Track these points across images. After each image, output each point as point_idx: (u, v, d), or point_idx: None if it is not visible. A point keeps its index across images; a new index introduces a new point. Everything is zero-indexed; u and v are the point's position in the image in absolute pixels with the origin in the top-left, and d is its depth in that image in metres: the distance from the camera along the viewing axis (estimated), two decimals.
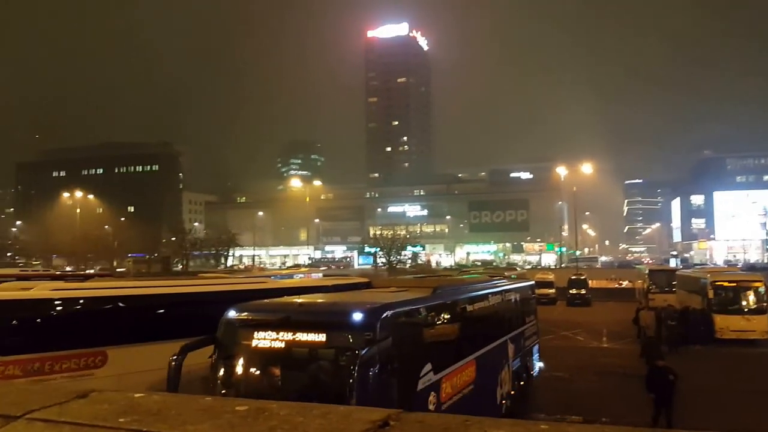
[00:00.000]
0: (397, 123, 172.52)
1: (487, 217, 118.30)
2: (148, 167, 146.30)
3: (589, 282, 45.84)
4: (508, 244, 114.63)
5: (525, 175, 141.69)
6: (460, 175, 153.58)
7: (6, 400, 2.37)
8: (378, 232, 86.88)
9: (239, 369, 7.27)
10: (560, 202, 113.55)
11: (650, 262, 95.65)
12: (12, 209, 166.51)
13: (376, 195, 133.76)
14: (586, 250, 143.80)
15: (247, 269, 79.18)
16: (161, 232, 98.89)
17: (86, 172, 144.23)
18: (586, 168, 66.77)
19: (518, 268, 55.65)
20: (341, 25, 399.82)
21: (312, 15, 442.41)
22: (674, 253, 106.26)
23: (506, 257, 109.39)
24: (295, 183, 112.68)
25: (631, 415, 13.55)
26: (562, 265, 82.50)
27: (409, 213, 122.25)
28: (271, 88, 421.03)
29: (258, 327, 7.01)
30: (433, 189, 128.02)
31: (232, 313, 7.47)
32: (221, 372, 7.27)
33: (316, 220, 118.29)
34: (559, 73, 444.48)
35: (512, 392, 12.83)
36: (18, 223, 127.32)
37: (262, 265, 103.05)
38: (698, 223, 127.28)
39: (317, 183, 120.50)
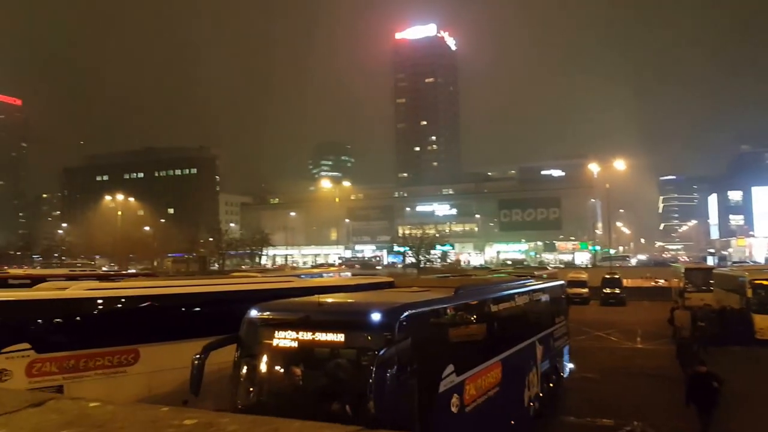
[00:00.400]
0: (425, 123, 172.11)
1: (517, 216, 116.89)
2: (187, 171, 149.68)
3: (624, 281, 44.95)
4: (540, 243, 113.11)
5: (556, 173, 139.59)
6: (489, 173, 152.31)
7: None
8: (407, 232, 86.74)
9: (260, 368, 7.37)
10: (593, 200, 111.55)
11: (687, 260, 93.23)
12: (58, 212, 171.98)
13: (405, 195, 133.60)
14: (621, 248, 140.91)
15: (279, 268, 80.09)
16: (199, 233, 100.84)
17: (128, 176, 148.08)
18: (619, 164, 65.43)
19: (549, 267, 54.83)
20: (369, 29, 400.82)
21: (341, 20, 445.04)
22: (711, 250, 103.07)
23: (538, 256, 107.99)
24: (325, 184, 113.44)
25: (664, 418, 13.25)
26: (597, 264, 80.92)
27: (438, 212, 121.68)
28: (302, 92, 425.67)
29: (278, 326, 7.09)
30: (462, 188, 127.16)
31: (253, 313, 7.56)
32: (243, 370, 7.38)
33: (347, 220, 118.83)
34: (590, 70, 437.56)
35: (541, 394, 12.63)
36: (64, 225, 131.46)
37: (294, 265, 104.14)
38: (736, 220, 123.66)
39: (346, 184, 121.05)
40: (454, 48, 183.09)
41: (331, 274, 38.09)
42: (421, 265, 68.12)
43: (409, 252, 74.12)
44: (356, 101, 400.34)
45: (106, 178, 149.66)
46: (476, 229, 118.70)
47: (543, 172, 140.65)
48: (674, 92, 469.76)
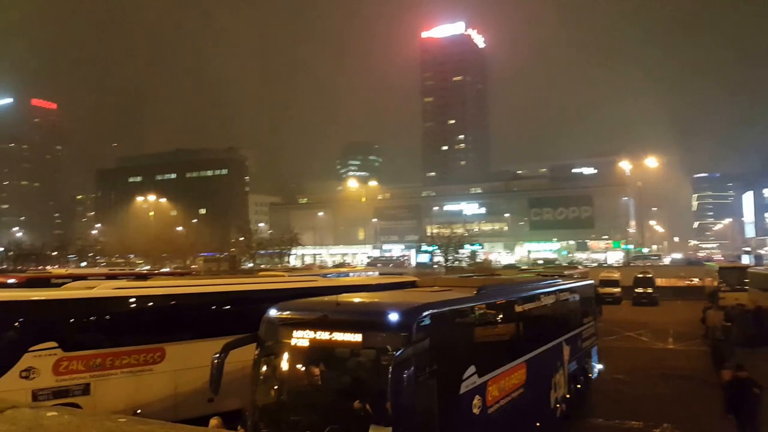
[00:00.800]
0: (453, 121, 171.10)
1: (548, 214, 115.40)
2: (217, 171, 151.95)
3: (657, 280, 44.09)
4: (572, 242, 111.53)
5: (588, 171, 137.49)
6: (519, 171, 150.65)
7: None
8: (435, 231, 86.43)
9: (278, 367, 7.38)
10: (626, 198, 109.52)
11: (721, 259, 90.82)
12: (93, 213, 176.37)
13: (433, 194, 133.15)
14: (654, 247, 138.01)
15: (308, 268, 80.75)
16: (229, 233, 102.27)
17: (160, 177, 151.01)
18: (652, 162, 64.16)
19: (580, 267, 54.06)
20: (396, 29, 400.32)
21: (367, 19, 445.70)
22: (747, 249, 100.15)
23: (570, 255, 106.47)
24: (352, 184, 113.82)
25: (695, 421, 12.90)
26: (631, 264, 79.41)
27: (466, 211, 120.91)
28: (330, 93, 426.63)
29: (296, 326, 7.09)
30: (491, 186, 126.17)
31: (272, 312, 7.58)
32: (262, 369, 7.41)
33: (374, 220, 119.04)
34: (622, 66, 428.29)
35: (568, 396, 12.42)
36: (98, 225, 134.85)
37: (322, 264, 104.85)
38: None
39: (374, 183, 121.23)
40: (482, 45, 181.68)
41: (358, 274, 38.13)
42: (450, 265, 67.80)
43: (438, 251, 73.83)
44: (384, 101, 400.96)
45: (138, 179, 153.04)
46: (506, 228, 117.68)
47: (574, 170, 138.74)
48: (709, 88, 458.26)
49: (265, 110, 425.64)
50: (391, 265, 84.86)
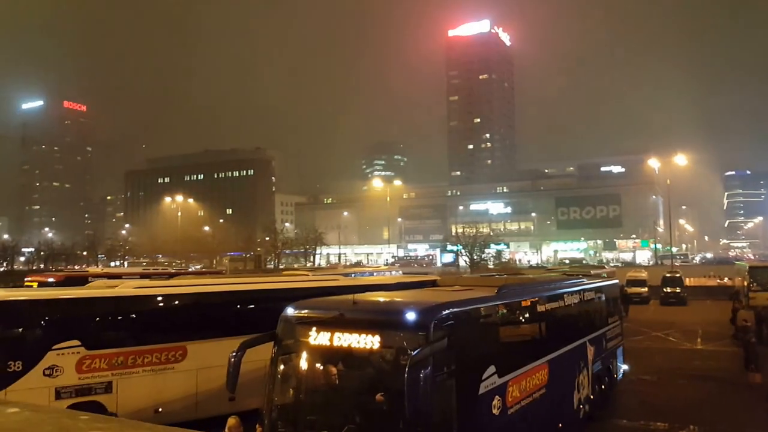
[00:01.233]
0: (479, 120, 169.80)
1: (575, 214, 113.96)
2: (244, 172, 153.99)
3: (686, 280, 43.24)
4: (599, 242, 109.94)
5: (616, 169, 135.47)
6: (546, 170, 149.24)
7: None
8: (460, 230, 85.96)
9: (295, 365, 7.38)
10: (654, 197, 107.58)
11: (752, 257, 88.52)
12: (122, 213, 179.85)
13: (458, 193, 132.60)
14: (684, 246, 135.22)
15: (333, 267, 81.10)
16: (256, 232, 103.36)
17: (188, 178, 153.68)
18: (681, 159, 62.69)
19: (608, 266, 53.25)
20: (422, 28, 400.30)
21: (393, 20, 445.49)
22: None
23: (597, 255, 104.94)
24: (378, 183, 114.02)
25: (723, 423, 12.57)
26: (660, 263, 77.88)
27: (492, 210, 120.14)
28: (355, 93, 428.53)
29: (313, 324, 7.07)
30: (518, 185, 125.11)
31: (290, 311, 7.58)
32: (279, 368, 7.42)
33: (399, 219, 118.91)
34: (651, 63, 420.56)
35: (591, 397, 12.21)
36: (127, 225, 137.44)
37: (347, 263, 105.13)
38: None
39: (399, 183, 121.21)
40: (508, 44, 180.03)
41: (381, 273, 38.08)
42: (475, 265, 67.32)
43: (463, 251, 73.43)
44: (409, 100, 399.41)
45: (167, 180, 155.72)
46: (532, 227, 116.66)
47: (602, 169, 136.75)
48: (739, 85, 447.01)
49: (291, 111, 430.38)
50: (414, 264, 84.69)
